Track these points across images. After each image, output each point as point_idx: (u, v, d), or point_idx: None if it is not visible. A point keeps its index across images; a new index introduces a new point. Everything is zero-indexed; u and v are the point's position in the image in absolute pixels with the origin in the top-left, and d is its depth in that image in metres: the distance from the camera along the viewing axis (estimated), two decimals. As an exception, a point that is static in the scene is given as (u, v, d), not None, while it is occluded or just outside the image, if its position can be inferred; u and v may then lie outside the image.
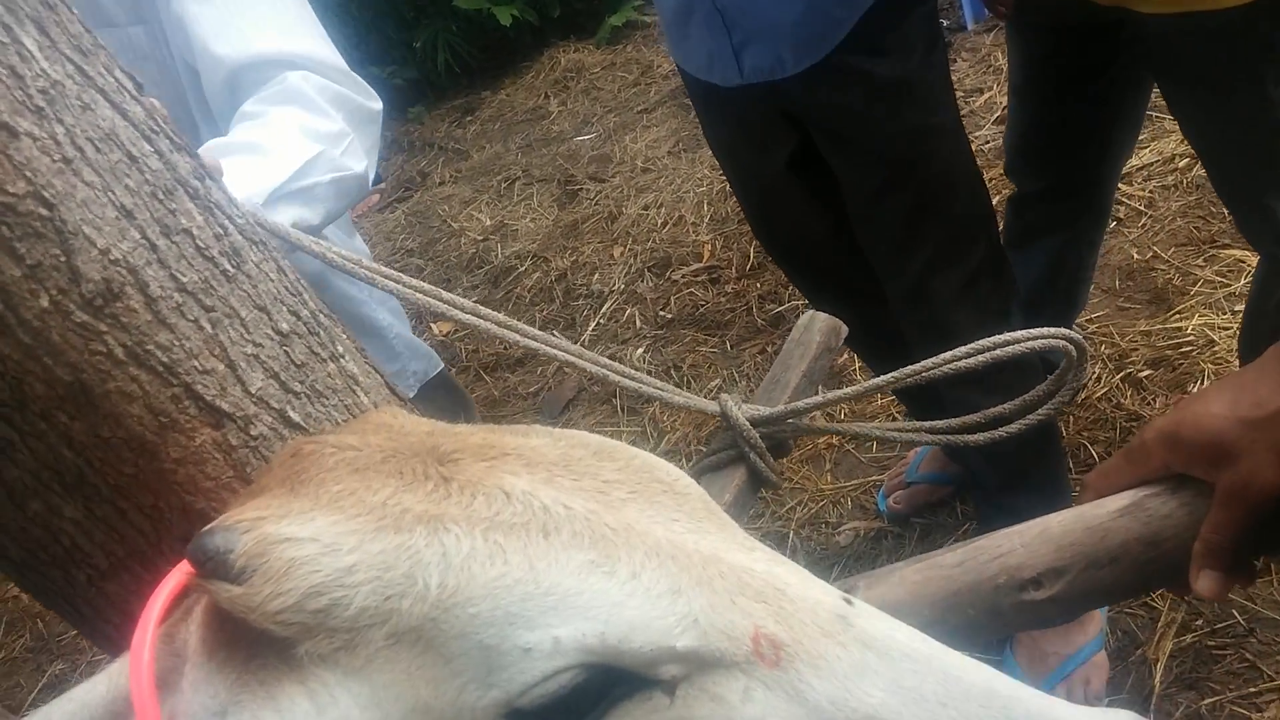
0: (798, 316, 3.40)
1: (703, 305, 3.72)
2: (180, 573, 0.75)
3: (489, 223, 4.86)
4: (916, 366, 1.02)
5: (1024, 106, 2.18)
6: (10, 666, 3.42)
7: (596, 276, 4.15)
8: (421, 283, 1.08)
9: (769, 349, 3.38)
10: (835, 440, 2.93)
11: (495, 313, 1.10)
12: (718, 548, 0.71)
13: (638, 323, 3.80)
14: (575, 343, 3.84)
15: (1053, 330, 1.01)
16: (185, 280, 0.81)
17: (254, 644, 0.67)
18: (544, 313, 4.08)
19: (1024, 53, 2.11)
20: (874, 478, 2.78)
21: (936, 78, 1.89)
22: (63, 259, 0.74)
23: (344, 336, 1.00)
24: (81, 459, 0.80)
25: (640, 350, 3.63)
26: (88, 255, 0.75)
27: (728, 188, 4.19)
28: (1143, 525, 0.79)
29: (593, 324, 3.88)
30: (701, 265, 3.92)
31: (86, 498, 0.83)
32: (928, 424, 1.12)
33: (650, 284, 3.95)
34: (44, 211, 0.73)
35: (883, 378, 1.05)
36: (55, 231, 0.73)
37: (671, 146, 4.78)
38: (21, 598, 3.67)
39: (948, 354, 1.01)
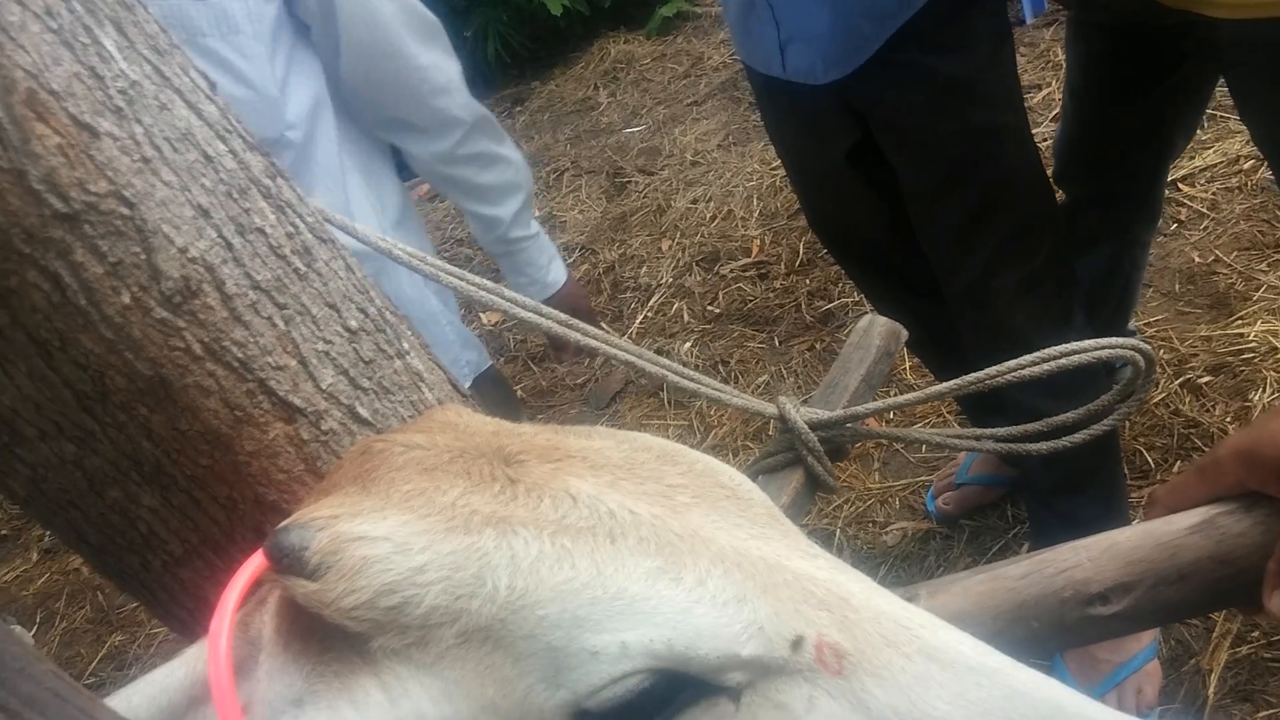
0: (848, 314, 3.40)
1: (751, 300, 3.71)
2: (255, 563, 0.77)
3: (537, 214, 4.87)
4: (981, 374, 1.01)
5: (1080, 108, 2.13)
6: (71, 637, 3.50)
7: (644, 270, 4.15)
8: (483, 279, 1.09)
9: (817, 346, 3.36)
10: (884, 440, 2.92)
11: (556, 311, 1.11)
12: (781, 555, 0.71)
13: (685, 317, 3.80)
14: (622, 336, 3.86)
15: (1121, 340, 1.00)
16: (259, 278, 0.83)
17: (328, 637, 0.68)
18: (591, 305, 4.09)
19: (1085, 53, 2.06)
20: (922, 478, 2.76)
21: (1003, 76, 1.84)
22: (143, 257, 0.75)
23: (408, 333, 1.01)
24: (160, 450, 0.82)
25: (687, 345, 3.63)
26: (167, 253, 0.77)
27: (778, 182, 4.18)
28: (1214, 543, 0.78)
29: (640, 317, 3.89)
30: (750, 260, 3.90)
31: (164, 487, 0.85)
32: (989, 431, 1.11)
33: (698, 278, 3.95)
34: (125, 210, 0.74)
35: (946, 384, 1.04)
36: (136, 230, 0.75)
37: (721, 140, 4.77)
38: (82, 570, 3.76)
39: (1013, 362, 1.00)
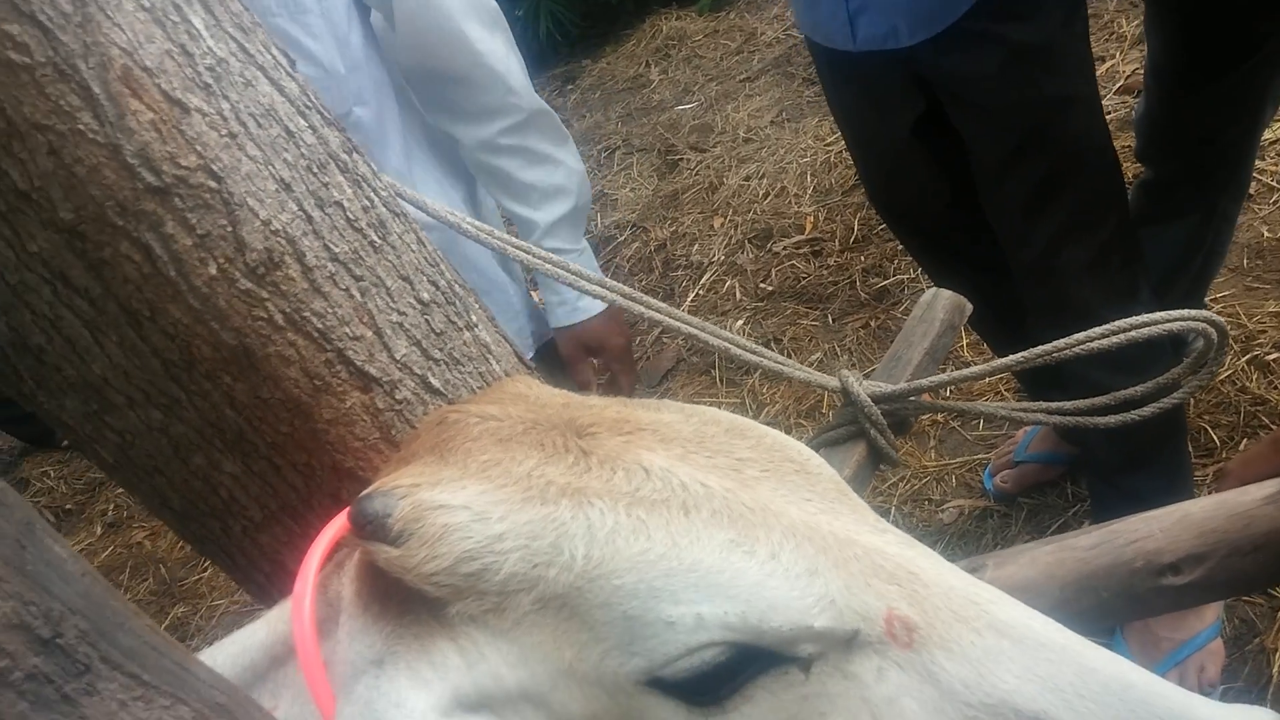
0: (903, 291, 3.37)
1: (804, 278, 3.70)
2: (334, 528, 0.80)
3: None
4: (1048, 347, 1.01)
5: (1165, 88, 2.08)
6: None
7: (696, 247, 4.15)
8: (548, 254, 1.10)
9: (872, 323, 3.35)
10: (940, 417, 2.90)
11: (620, 285, 1.12)
12: (851, 529, 0.72)
13: (738, 294, 3.79)
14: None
15: (1192, 312, 0.99)
16: (338, 250, 0.85)
17: (407, 601, 0.70)
18: (643, 283, 4.10)
19: (1167, 32, 2.02)
20: (980, 456, 2.75)
21: (1075, 45, 1.82)
22: (229, 229, 0.78)
23: (476, 306, 1.03)
24: (242, 418, 0.85)
25: (740, 322, 3.63)
26: (251, 226, 0.79)
27: (831, 158, 4.15)
28: (1290, 514, 0.78)
29: (691, 295, 3.89)
30: (804, 237, 3.89)
31: (245, 454, 0.88)
32: (1056, 405, 1.11)
33: (751, 255, 3.94)
34: (213, 184, 0.77)
35: (1013, 358, 1.04)
36: (223, 203, 0.77)
37: (774, 116, 4.74)
38: (145, 544, 3.86)
39: (1082, 335, 1.00)
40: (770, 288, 3.75)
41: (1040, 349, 1.02)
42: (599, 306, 2.04)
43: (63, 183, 0.72)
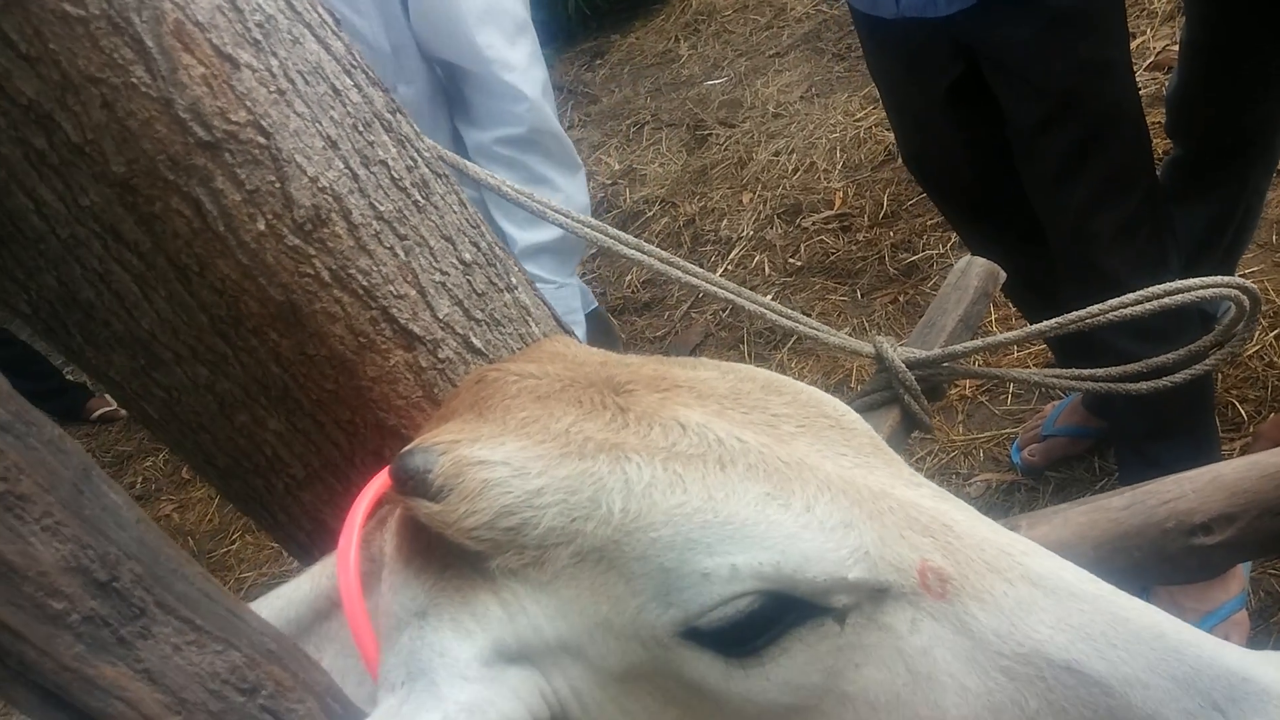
0: (932, 266, 3.36)
1: (833, 253, 3.69)
2: (377, 485, 0.81)
3: (617, 167, 4.89)
4: (1083, 312, 1.01)
5: (1201, 63, 2.08)
6: (164, 580, 3.64)
7: (725, 222, 4.15)
8: (587, 218, 1.11)
9: (900, 298, 3.34)
10: (969, 391, 2.90)
11: (656, 249, 1.13)
12: (885, 483, 0.73)
13: (766, 270, 3.79)
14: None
15: (1225, 279, 0.99)
16: (383, 209, 0.86)
17: (448, 555, 0.72)
18: (672, 258, 4.10)
19: (1206, 7, 2.02)
20: (1007, 430, 2.74)
21: (1112, 11, 1.84)
22: (278, 185, 0.79)
23: (516, 269, 1.04)
24: (287, 374, 0.86)
25: (768, 297, 3.62)
26: (299, 182, 0.80)
27: (861, 134, 4.13)
28: (1323, 475, 0.78)
29: (720, 270, 3.89)
30: (833, 213, 3.88)
31: (289, 411, 0.89)
32: (1087, 371, 1.11)
33: (779, 231, 3.93)
34: (262, 140, 0.78)
35: (1046, 324, 1.05)
36: (271, 159, 0.79)
37: (804, 91, 4.72)
38: (173, 517, 3.91)
39: (1115, 300, 1.00)
40: (799, 263, 3.74)
41: (1074, 314, 1.02)
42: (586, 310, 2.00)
43: (115, 136, 0.73)
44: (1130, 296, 1.00)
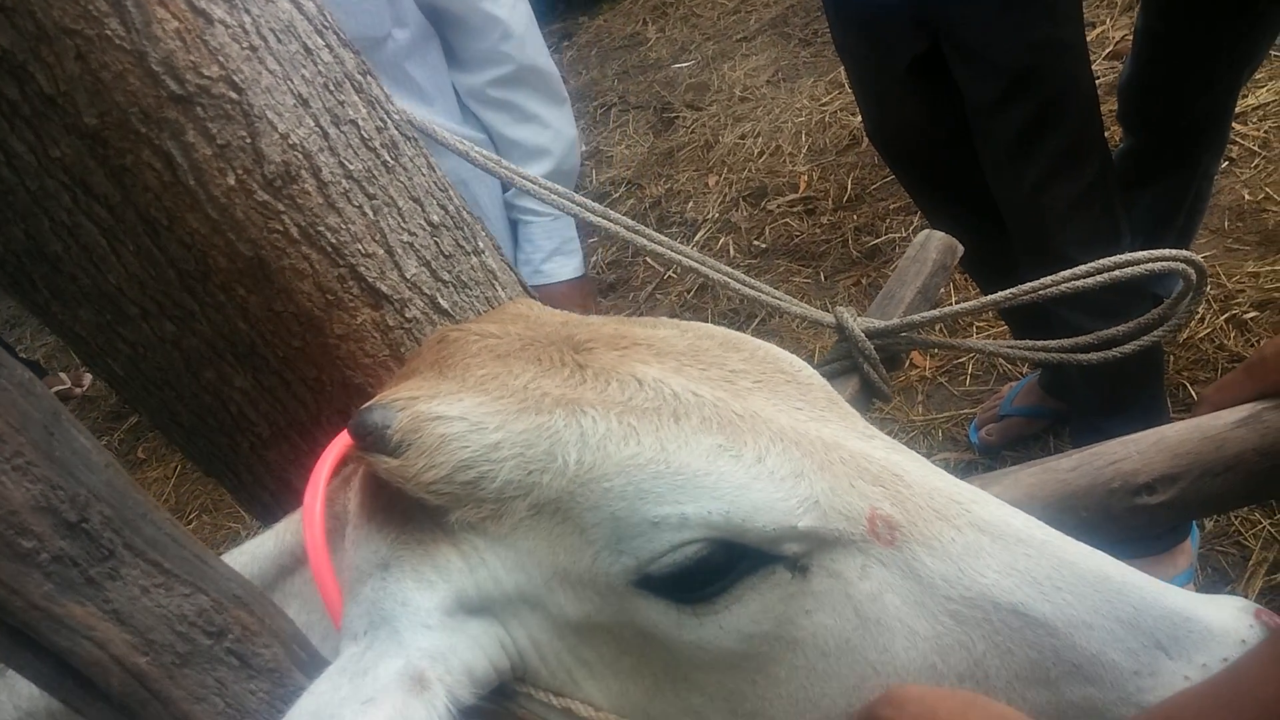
0: (894, 249, 3.41)
1: (798, 236, 3.72)
2: (340, 444, 0.82)
3: (584, 149, 4.89)
4: (1034, 284, 1.04)
5: (1156, 50, 2.13)
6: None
7: (691, 205, 4.17)
8: (555, 185, 1.12)
9: (863, 281, 3.38)
10: (928, 372, 2.94)
11: (622, 217, 1.14)
12: (838, 435, 0.75)
13: (731, 251, 3.82)
14: (666, 271, 3.88)
15: (1173, 252, 1.02)
16: (352, 168, 0.87)
17: (409, 511, 0.73)
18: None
19: None
20: (965, 410, 2.79)
21: None
22: (248, 141, 0.80)
23: (484, 233, 1.05)
24: (254, 331, 0.87)
25: (733, 278, 3.65)
26: (270, 139, 0.81)
27: (826, 118, 4.16)
28: (1260, 436, 0.81)
29: (685, 251, 3.90)
30: (797, 196, 3.91)
31: (255, 368, 0.90)
32: (1040, 343, 1.14)
33: (745, 213, 3.96)
34: (234, 95, 0.79)
35: (1000, 294, 1.07)
36: (243, 114, 0.79)
37: (770, 76, 4.74)
38: (152, 486, 3.88)
39: (1068, 272, 1.03)
40: (764, 245, 3.77)
41: (1027, 285, 1.05)
42: (565, 274, 2.02)
43: (88, 88, 0.74)
44: (1082, 269, 1.03)
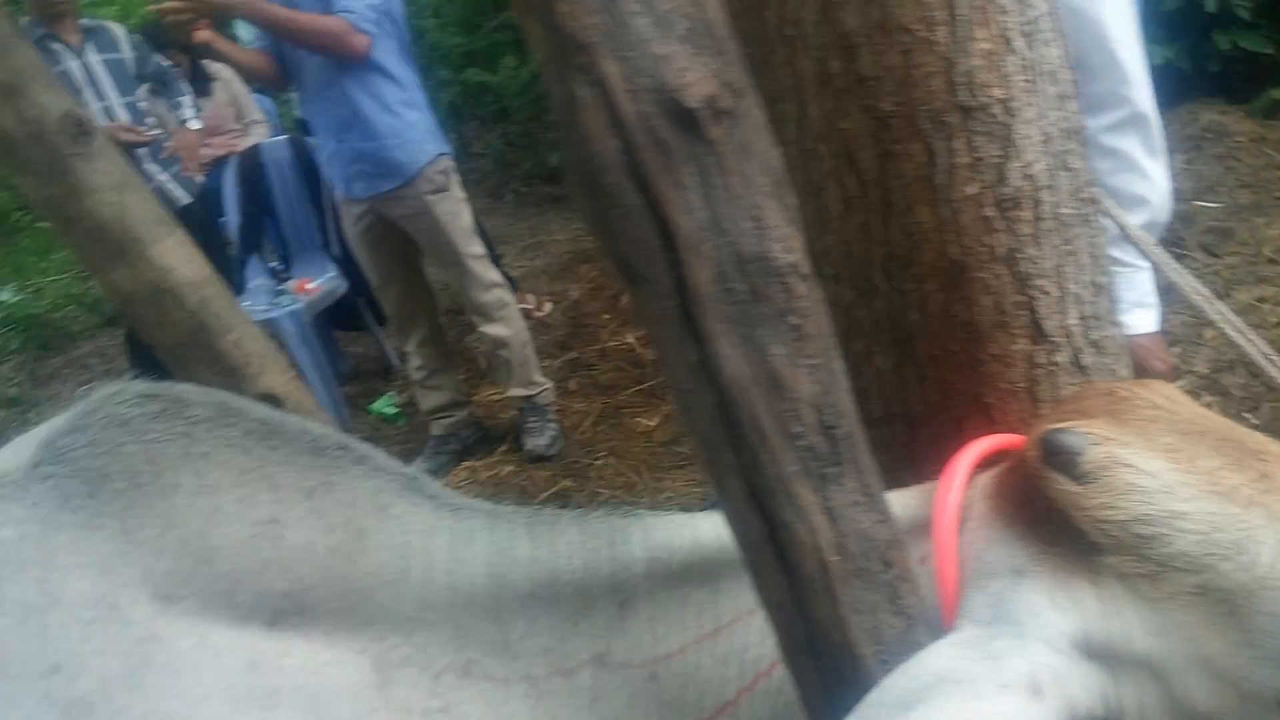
0: None
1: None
2: (981, 446, 0.87)
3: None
4: None
5: None
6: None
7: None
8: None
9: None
10: None
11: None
12: None
13: None
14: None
15: None
16: (1061, 211, 0.93)
17: (1057, 533, 0.76)
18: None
19: None
20: None
21: None
22: (999, 160, 0.88)
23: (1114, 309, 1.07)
24: (922, 324, 0.95)
25: None
26: (1014, 164, 0.89)
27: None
28: None
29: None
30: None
31: (901, 355, 0.98)
32: None
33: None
34: (1004, 119, 0.87)
35: None
36: (1004, 137, 0.88)
37: None
38: (574, 417, 4.25)
39: None
40: None
41: None
42: (1145, 327, 1.99)
43: (898, 79, 0.85)
44: None
